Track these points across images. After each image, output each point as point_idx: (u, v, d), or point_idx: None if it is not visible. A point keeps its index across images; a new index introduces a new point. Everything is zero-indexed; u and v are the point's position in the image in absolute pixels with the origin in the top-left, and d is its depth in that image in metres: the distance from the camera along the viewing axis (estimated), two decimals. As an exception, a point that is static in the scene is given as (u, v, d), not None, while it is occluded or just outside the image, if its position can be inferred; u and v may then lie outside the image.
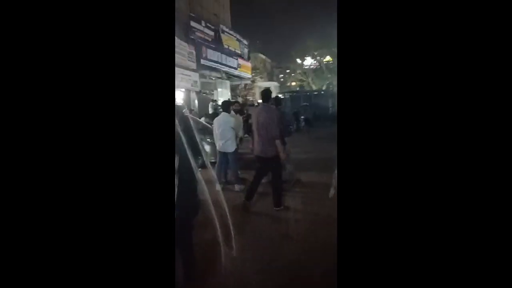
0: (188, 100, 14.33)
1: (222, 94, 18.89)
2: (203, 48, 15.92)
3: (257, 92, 27.99)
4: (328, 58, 32.00)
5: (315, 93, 18.51)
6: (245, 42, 22.22)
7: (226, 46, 18.58)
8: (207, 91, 16.73)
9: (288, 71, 39.79)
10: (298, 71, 34.93)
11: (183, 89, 13.19)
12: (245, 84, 26.38)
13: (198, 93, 15.22)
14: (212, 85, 17.26)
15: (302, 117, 13.79)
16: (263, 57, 36.91)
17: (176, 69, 13.24)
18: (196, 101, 15.15)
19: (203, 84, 15.64)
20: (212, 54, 16.74)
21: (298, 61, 34.42)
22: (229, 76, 21.22)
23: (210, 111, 13.25)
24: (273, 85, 29.57)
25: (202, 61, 15.74)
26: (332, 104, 16.03)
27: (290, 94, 18.50)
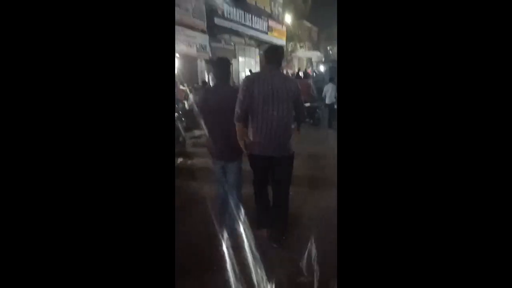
0: (190, 70, 11.08)
1: (246, 65, 15.37)
2: (219, 3, 12.40)
3: (297, 64, 24.05)
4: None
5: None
6: (279, -1, 18.07)
7: (252, 3, 14.81)
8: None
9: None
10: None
11: (178, 55, 9.88)
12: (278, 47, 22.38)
13: (209, 61, 11.85)
14: (230, 52, 13.75)
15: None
16: (309, 24, 31.86)
17: (176, 27, 10.07)
18: (206, 72, 11.87)
19: (216, 51, 12.23)
20: (230, 12, 13.16)
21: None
22: (260, 43, 17.54)
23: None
24: (315, 55, 25.29)
25: (217, 21, 12.29)
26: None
27: (329, 63, 14.30)
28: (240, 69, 15.08)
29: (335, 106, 9.23)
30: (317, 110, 8.38)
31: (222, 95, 2.44)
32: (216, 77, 2.57)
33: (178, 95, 7.18)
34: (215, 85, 2.63)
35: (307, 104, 8.13)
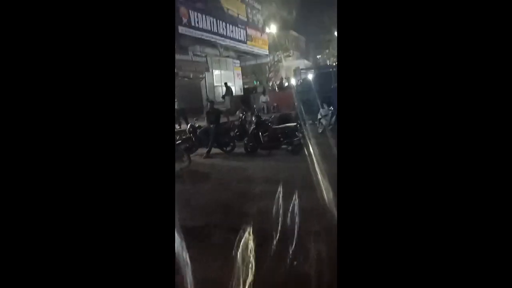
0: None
1: (222, 78, 13.57)
2: (183, 10, 10.72)
3: (284, 74, 22.57)
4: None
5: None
6: (256, 6, 16.46)
7: (225, 9, 13.14)
8: (191, 74, 11.42)
9: (327, 51, 32.95)
10: (334, 49, 28.15)
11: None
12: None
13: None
14: (201, 65, 11.96)
15: (330, 108, 8.01)
16: (296, 34, 30.62)
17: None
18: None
19: (181, 64, 10.43)
20: (200, 19, 11.48)
21: (336, 33, 27.74)
22: (239, 54, 15.92)
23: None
24: (303, 64, 23.82)
25: (181, 30, 10.59)
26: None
27: (316, 71, 12.56)
28: (216, 83, 13.29)
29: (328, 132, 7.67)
30: (297, 133, 5.93)
31: None
32: None
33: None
34: None
35: (284, 125, 6.25)
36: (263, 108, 11.90)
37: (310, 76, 12.38)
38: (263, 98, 12.20)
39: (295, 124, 6.04)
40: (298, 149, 5.75)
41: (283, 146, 5.83)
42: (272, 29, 19.32)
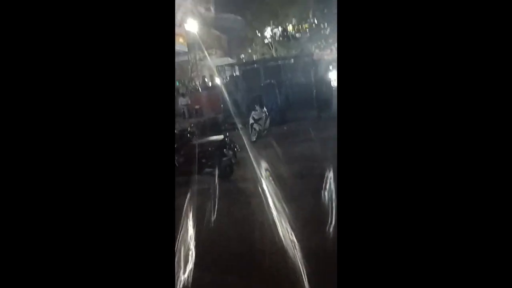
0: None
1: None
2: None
3: (207, 73, 20.84)
4: (292, 25, 24.74)
5: (283, 62, 10.95)
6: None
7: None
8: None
9: (250, 51, 32.18)
10: (257, 45, 27.47)
11: None
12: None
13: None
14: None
15: (263, 110, 6.54)
16: (217, 32, 29.09)
17: None
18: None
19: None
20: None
21: (258, 33, 27.06)
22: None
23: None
24: (227, 61, 22.43)
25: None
26: (315, 76, 8.95)
27: (242, 67, 11.12)
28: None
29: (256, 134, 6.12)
30: (226, 149, 4.20)
31: None
32: None
33: None
34: None
35: (208, 139, 4.52)
36: (183, 112, 10.01)
37: (236, 74, 10.94)
38: (182, 101, 10.29)
39: (222, 137, 4.32)
40: (228, 171, 4.08)
41: (207, 169, 4.08)
42: (192, 27, 17.42)
